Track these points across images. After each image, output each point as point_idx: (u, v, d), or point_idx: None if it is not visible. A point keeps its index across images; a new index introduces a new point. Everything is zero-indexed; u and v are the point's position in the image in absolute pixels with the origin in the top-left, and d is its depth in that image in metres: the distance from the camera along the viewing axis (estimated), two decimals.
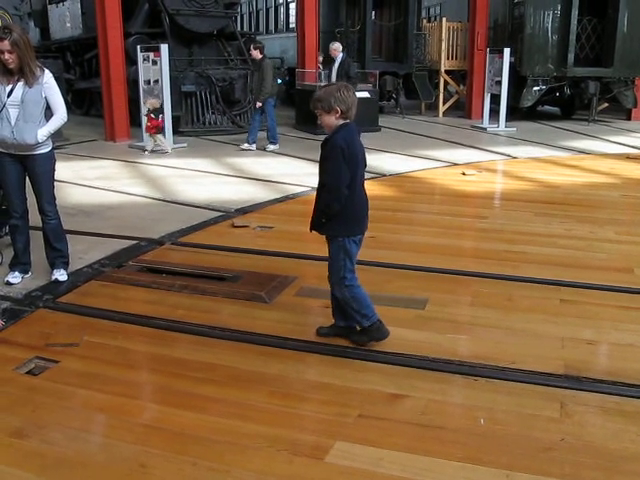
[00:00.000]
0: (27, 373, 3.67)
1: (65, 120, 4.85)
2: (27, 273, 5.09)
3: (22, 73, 4.55)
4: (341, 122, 3.70)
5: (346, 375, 3.61)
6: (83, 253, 5.66)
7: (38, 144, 4.71)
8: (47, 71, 4.72)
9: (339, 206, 3.70)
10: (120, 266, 5.42)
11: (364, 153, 3.84)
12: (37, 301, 4.67)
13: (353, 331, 4.02)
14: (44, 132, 4.70)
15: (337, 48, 12.98)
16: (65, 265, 5.11)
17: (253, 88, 11.88)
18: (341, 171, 3.65)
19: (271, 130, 11.82)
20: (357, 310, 3.88)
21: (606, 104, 17.22)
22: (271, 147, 11.75)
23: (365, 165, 3.87)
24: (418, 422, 3.16)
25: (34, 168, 4.81)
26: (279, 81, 13.23)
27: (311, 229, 3.90)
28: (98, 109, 15.16)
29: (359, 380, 3.55)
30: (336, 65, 12.90)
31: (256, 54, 11.50)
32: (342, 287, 3.88)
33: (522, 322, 4.30)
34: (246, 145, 11.68)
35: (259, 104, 11.42)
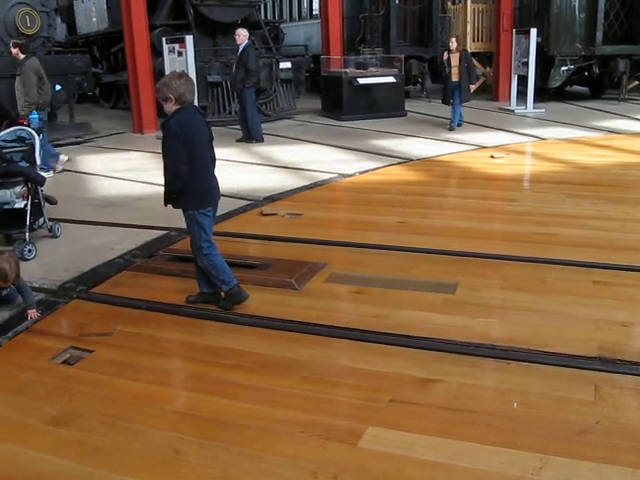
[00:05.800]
0: (63, 363, 3.74)
1: None
2: None
3: None
4: (177, 108, 4.03)
5: (377, 360, 3.60)
6: (115, 244, 5.72)
7: None
8: None
9: (180, 182, 4.09)
10: (151, 256, 5.48)
11: (208, 130, 4.22)
12: (71, 292, 4.74)
13: (219, 297, 4.35)
14: None
15: (240, 34, 10.98)
16: None
17: (16, 97, 9.00)
18: (177, 152, 4.03)
19: (46, 151, 8.27)
20: (216, 277, 4.25)
21: (636, 82, 16.86)
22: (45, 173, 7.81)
23: (211, 139, 4.25)
24: (450, 406, 3.15)
25: None
26: (57, 87, 10.12)
27: (165, 204, 4.30)
28: (125, 102, 15.29)
29: (390, 365, 3.54)
30: (237, 55, 11.11)
31: (16, 52, 9.04)
32: (201, 256, 4.22)
33: (555, 305, 4.25)
34: (59, 167, 8.39)
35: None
